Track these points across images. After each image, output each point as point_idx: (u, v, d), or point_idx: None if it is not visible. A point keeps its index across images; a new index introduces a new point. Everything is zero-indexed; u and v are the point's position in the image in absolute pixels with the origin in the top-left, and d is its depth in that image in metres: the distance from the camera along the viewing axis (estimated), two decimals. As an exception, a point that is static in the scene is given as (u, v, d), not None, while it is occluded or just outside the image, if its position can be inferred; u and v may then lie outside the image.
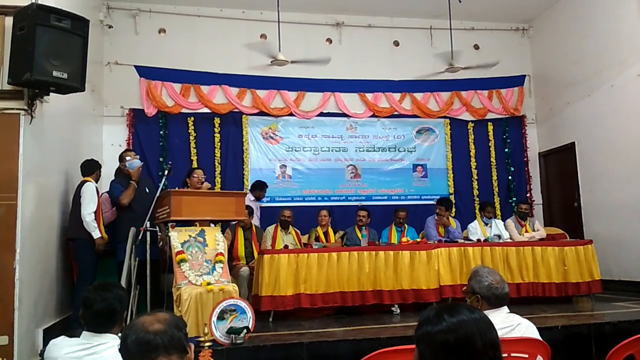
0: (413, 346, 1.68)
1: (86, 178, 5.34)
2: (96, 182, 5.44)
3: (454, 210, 8.87)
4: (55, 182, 5.17)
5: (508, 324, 2.60)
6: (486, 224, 7.28)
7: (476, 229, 7.25)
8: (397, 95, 9.12)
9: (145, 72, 8.23)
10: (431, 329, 1.39)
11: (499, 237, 6.85)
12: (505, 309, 2.68)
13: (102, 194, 6.08)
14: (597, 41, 8.00)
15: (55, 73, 4.13)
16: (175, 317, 1.70)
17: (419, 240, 6.85)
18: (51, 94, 4.43)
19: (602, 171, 8.01)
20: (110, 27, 8.05)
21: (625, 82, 7.49)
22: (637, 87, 7.27)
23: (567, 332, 4.66)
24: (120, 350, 1.63)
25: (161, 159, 8.00)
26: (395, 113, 9.11)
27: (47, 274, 4.82)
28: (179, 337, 1.61)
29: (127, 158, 5.72)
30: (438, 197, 8.21)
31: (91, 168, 5.47)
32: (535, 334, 2.63)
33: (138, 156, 6.02)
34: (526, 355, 2.49)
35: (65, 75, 4.19)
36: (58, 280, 5.07)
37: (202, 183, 5.84)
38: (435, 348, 1.36)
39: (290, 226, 7.14)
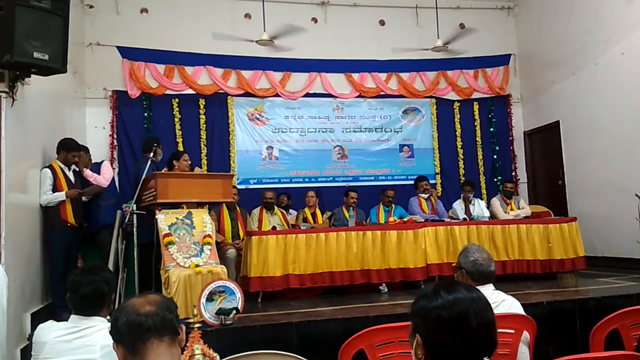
0: (401, 324, 1.70)
1: (52, 162, 5.21)
2: (66, 164, 5.26)
3: (440, 189, 8.95)
4: (38, 166, 5.08)
5: (493, 300, 2.63)
6: (471, 203, 7.33)
7: (461, 208, 7.30)
8: (383, 75, 9.08)
9: (128, 53, 8.08)
10: (427, 304, 1.40)
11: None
12: (491, 286, 2.71)
13: (102, 161, 6.04)
14: (581, 19, 8.00)
15: (36, 54, 4.03)
16: (166, 299, 1.69)
17: (406, 219, 6.89)
18: (32, 75, 4.34)
19: (586, 149, 8.07)
20: (91, 6, 7.88)
21: (609, 61, 7.51)
22: (621, 66, 7.29)
23: (551, 308, 4.74)
24: (111, 332, 1.62)
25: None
26: (382, 93, 9.08)
27: (33, 258, 4.77)
28: (171, 318, 1.60)
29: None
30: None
31: (57, 149, 5.29)
32: (520, 311, 2.67)
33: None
34: (512, 331, 2.54)
35: (46, 57, 4.10)
36: (44, 265, 5.03)
37: (193, 169, 5.78)
38: (429, 323, 1.37)
39: (276, 207, 7.15)
